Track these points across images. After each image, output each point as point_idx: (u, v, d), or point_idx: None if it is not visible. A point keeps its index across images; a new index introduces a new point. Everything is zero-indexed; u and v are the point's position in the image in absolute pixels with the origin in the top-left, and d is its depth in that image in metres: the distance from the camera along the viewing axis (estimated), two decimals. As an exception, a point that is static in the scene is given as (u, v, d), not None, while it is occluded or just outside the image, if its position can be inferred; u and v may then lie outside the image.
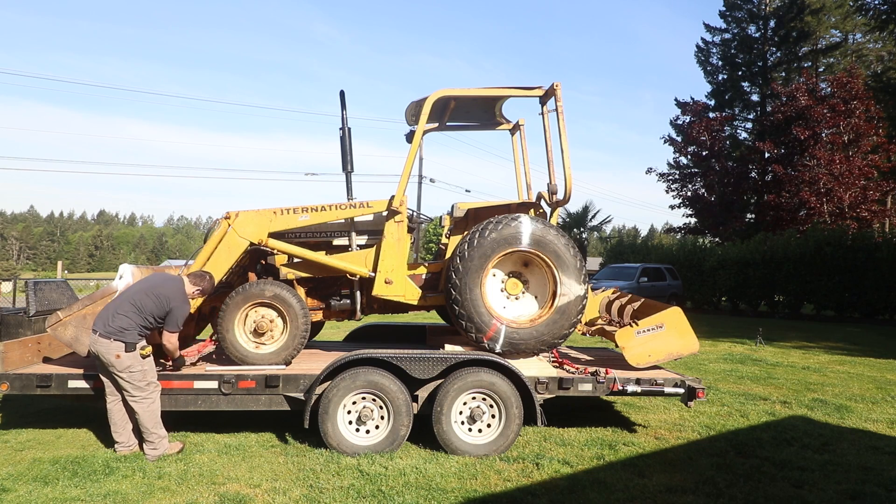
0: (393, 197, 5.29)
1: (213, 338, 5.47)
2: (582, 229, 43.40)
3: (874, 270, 17.23)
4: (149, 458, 4.44)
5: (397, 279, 5.35)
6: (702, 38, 32.69)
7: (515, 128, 6.45)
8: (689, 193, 27.88)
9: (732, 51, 30.91)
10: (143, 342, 4.46)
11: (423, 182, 31.61)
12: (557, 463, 4.50)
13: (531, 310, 5.27)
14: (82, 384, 4.69)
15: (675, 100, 28.91)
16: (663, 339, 5.33)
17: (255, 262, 5.74)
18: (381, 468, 4.27)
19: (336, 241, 5.68)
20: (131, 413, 4.47)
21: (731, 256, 20.83)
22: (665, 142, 28.40)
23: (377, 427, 4.69)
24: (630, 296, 6.45)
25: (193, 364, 5.13)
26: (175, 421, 5.11)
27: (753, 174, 27.82)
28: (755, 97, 31.00)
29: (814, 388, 7.53)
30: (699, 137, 26.64)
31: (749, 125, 31.49)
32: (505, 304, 5.29)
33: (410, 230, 5.64)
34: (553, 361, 5.57)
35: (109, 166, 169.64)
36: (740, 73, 30.80)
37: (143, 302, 4.44)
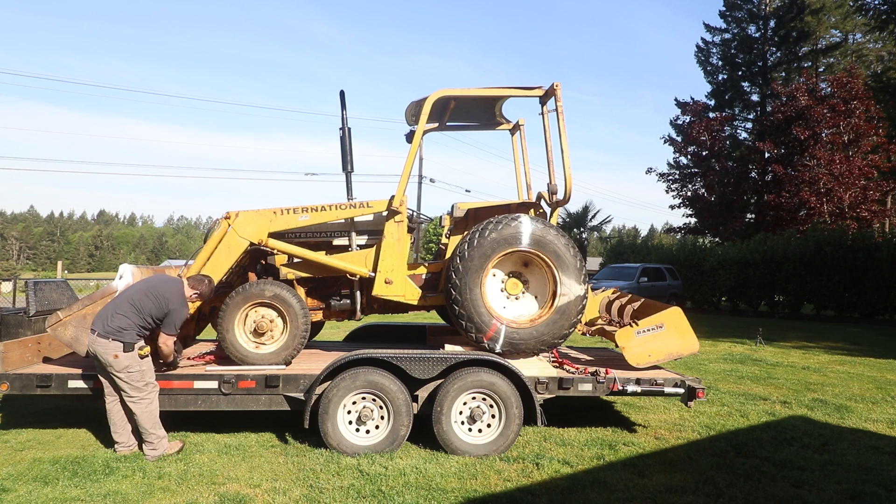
0: (393, 197, 5.29)
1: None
2: (582, 229, 43.41)
3: (874, 270, 17.23)
4: (148, 458, 4.44)
5: (397, 279, 5.35)
6: (702, 38, 32.76)
7: (515, 128, 6.45)
8: (689, 193, 27.89)
9: (732, 51, 30.92)
10: (142, 342, 4.46)
11: (423, 182, 31.64)
12: (557, 463, 4.50)
13: (531, 310, 5.27)
14: (82, 384, 4.69)
15: (675, 100, 28.95)
16: (663, 339, 5.33)
17: (255, 262, 5.74)
18: (381, 468, 4.27)
19: (336, 241, 5.69)
20: (130, 414, 4.47)
21: (731, 256, 20.83)
22: (665, 142, 28.41)
23: (377, 427, 4.69)
24: (630, 296, 6.45)
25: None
26: (175, 421, 5.11)
27: (753, 174, 27.83)
28: (755, 97, 31.05)
29: (814, 388, 7.53)
30: (699, 137, 26.65)
31: (749, 125, 31.51)
32: (505, 304, 5.29)
33: (410, 230, 5.64)
34: (553, 361, 5.57)
35: (109, 166, 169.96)
36: (740, 73, 30.80)
37: (142, 302, 4.44)
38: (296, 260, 5.51)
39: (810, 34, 28.55)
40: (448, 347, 5.23)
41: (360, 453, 4.52)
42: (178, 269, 5.55)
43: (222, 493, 3.86)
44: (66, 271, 66.23)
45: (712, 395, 6.90)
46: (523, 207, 5.50)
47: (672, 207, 31.06)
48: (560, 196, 5.45)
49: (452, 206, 5.81)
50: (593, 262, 37.28)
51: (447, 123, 6.40)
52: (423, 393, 4.81)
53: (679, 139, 28.10)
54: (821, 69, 29.51)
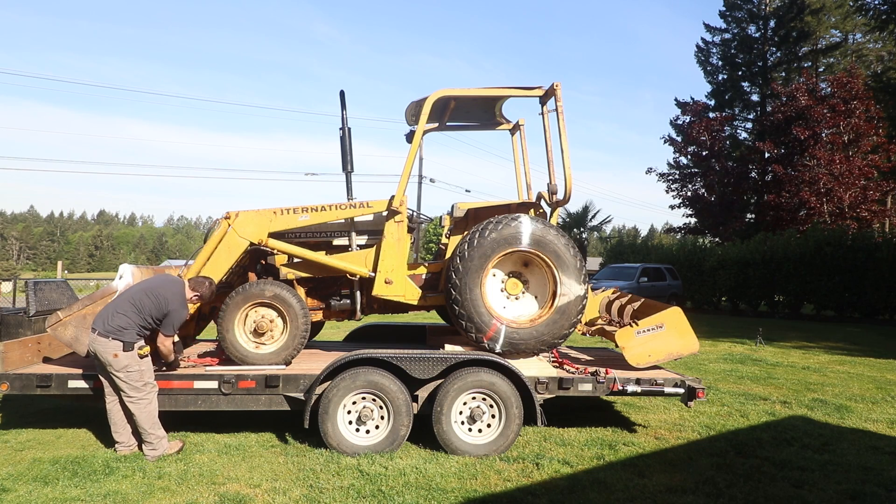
0: (393, 197, 5.29)
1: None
2: (582, 229, 43.41)
3: (874, 270, 17.23)
4: (148, 458, 4.44)
5: (397, 279, 5.35)
6: (702, 38, 32.74)
7: (515, 128, 6.45)
8: (689, 193, 27.89)
9: (732, 51, 30.92)
10: (142, 342, 4.46)
11: (423, 182, 31.64)
12: (557, 463, 4.50)
13: (531, 310, 5.27)
14: (82, 384, 4.69)
15: (675, 100, 28.96)
16: (663, 339, 5.33)
17: (255, 262, 5.74)
18: (381, 468, 4.27)
19: (336, 241, 5.69)
20: (129, 414, 4.47)
21: (731, 256, 20.83)
22: (665, 142, 28.42)
23: (377, 427, 4.69)
24: (630, 296, 6.45)
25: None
26: (175, 421, 5.11)
27: (753, 174, 27.83)
28: (755, 97, 31.05)
29: (814, 388, 7.53)
30: (699, 137, 26.65)
31: (749, 125, 31.52)
32: (505, 304, 5.29)
33: (410, 230, 5.64)
34: (553, 361, 5.57)
35: (109, 166, 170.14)
36: (740, 73, 30.81)
37: (142, 302, 4.44)
38: (296, 260, 5.51)
39: (810, 34, 28.56)
40: (448, 347, 5.23)
41: (360, 453, 4.52)
42: (178, 269, 5.55)
43: (222, 493, 3.86)
44: (66, 271, 66.24)
45: (712, 395, 6.90)
46: (523, 207, 5.50)
47: (672, 207, 31.11)
48: (560, 196, 5.45)
49: (452, 206, 5.81)
50: (593, 262, 37.28)
51: (447, 123, 6.40)
52: (423, 393, 4.81)
53: (679, 139, 28.10)
54: (821, 69, 29.52)
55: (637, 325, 5.33)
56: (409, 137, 6.12)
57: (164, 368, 4.80)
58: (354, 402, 4.67)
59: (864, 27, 27.15)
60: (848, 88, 23.10)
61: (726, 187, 26.40)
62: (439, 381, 4.77)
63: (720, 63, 31.28)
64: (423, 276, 5.59)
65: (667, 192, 28.48)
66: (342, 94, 5.88)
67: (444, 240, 6.17)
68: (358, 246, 5.63)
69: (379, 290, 5.34)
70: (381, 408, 4.68)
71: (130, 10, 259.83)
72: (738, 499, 3.93)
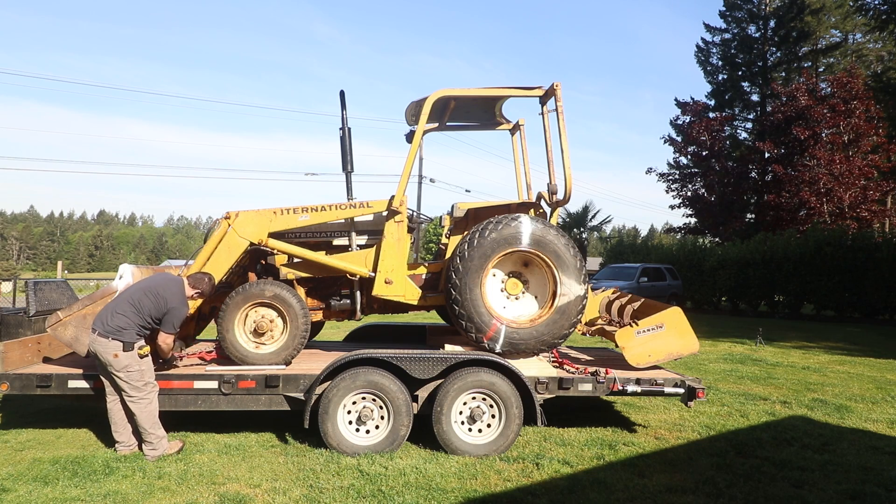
0: (393, 197, 5.29)
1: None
2: (582, 229, 43.42)
3: (874, 270, 17.23)
4: (148, 458, 4.44)
5: (397, 279, 5.35)
6: (702, 38, 32.74)
7: (515, 128, 6.45)
8: (689, 193, 27.89)
9: (732, 51, 30.92)
10: (142, 342, 4.46)
11: (423, 182, 31.64)
12: (557, 463, 4.50)
13: (531, 310, 5.27)
14: (82, 384, 4.69)
15: (675, 100, 28.95)
16: (663, 339, 5.33)
17: (255, 262, 5.74)
18: (381, 468, 4.27)
19: (336, 241, 5.69)
20: (130, 414, 4.47)
21: (731, 256, 20.83)
22: (665, 142, 28.42)
23: (377, 427, 4.69)
24: (630, 296, 6.45)
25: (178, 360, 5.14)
26: (175, 421, 5.11)
27: (753, 174, 27.82)
28: (755, 97, 31.05)
29: (814, 388, 7.53)
30: (699, 137, 26.65)
31: (749, 125, 31.52)
32: (505, 304, 5.29)
33: (410, 230, 5.64)
34: (553, 361, 5.57)
35: (109, 166, 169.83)
36: (740, 73, 30.81)
37: (141, 302, 4.44)
38: (296, 260, 5.51)
39: (810, 34, 28.55)
40: (448, 347, 5.23)
41: (360, 453, 4.52)
42: (178, 269, 5.55)
43: (222, 493, 3.86)
44: (66, 271, 66.24)
45: (712, 395, 6.89)
46: (523, 207, 5.50)
47: (672, 207, 31.09)
48: (560, 196, 5.45)
49: (452, 206, 5.81)
50: (593, 262, 37.28)
51: (447, 123, 6.40)
52: (423, 393, 4.81)
53: (679, 139, 28.10)
54: (821, 69, 29.51)
55: (637, 325, 5.33)
56: (409, 137, 6.12)
57: (165, 367, 4.80)
58: (354, 402, 4.67)
59: (864, 27, 27.15)
60: (848, 88, 23.10)
61: (726, 187, 26.40)
62: (439, 381, 4.77)
63: (720, 63, 31.29)
64: (423, 276, 5.59)
65: (667, 192, 28.50)
66: (342, 94, 5.89)
67: (444, 240, 6.17)
68: (358, 246, 5.63)
69: (379, 290, 5.34)
70: (381, 408, 4.68)
71: (130, 10, 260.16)
72: (738, 499, 3.93)
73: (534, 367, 5.05)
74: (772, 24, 29.83)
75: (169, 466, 4.30)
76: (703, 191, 27.50)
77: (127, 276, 5.08)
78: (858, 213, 22.70)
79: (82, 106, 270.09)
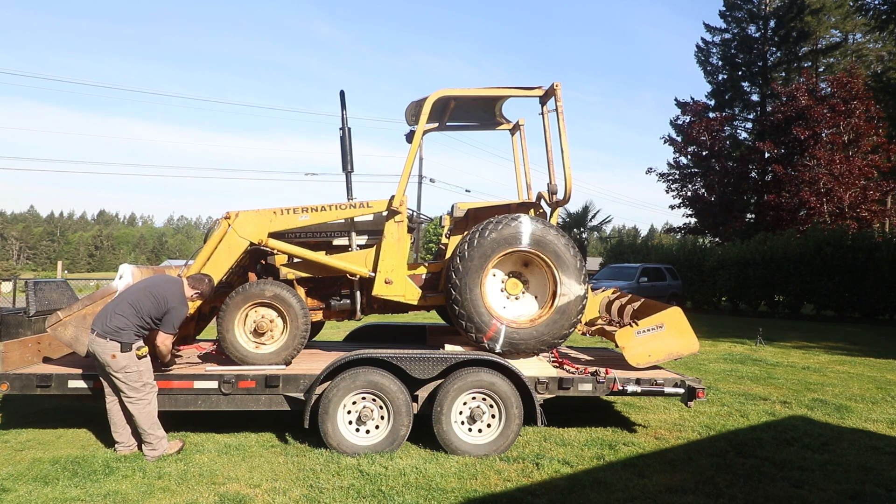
0: (393, 197, 5.29)
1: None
2: (582, 229, 43.42)
3: (874, 270, 17.23)
4: (148, 458, 4.43)
5: (397, 279, 5.35)
6: (702, 38, 32.74)
7: (515, 128, 6.45)
8: (689, 193, 27.89)
9: (732, 51, 30.92)
10: (140, 342, 4.45)
11: (423, 182, 31.62)
12: (557, 463, 4.50)
13: (531, 310, 5.27)
14: (82, 384, 4.69)
15: (675, 100, 28.96)
16: (663, 339, 5.32)
17: (255, 262, 5.74)
18: (381, 468, 4.27)
19: (336, 241, 5.68)
20: (128, 414, 4.47)
21: (731, 256, 20.82)
22: (665, 142, 28.41)
23: (377, 427, 4.69)
24: (630, 296, 6.45)
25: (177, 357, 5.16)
26: (175, 421, 5.11)
27: (753, 174, 27.82)
28: (755, 97, 31.05)
29: (814, 388, 7.53)
30: (699, 137, 26.65)
31: (749, 125, 31.52)
32: (505, 304, 5.29)
33: (410, 230, 5.63)
34: (553, 361, 5.56)
35: (109, 166, 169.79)
36: (740, 73, 30.80)
37: (141, 302, 4.44)
38: (296, 260, 5.51)
39: (810, 34, 28.55)
40: (448, 347, 5.23)
41: (360, 453, 4.52)
42: (178, 269, 5.55)
43: (222, 493, 3.86)
44: (66, 271, 66.23)
45: (712, 395, 6.89)
46: (523, 207, 5.50)
47: (672, 207, 31.10)
48: (560, 196, 5.45)
49: (452, 206, 5.81)
50: (593, 262, 37.27)
51: (447, 123, 6.40)
52: (423, 393, 4.81)
53: (679, 139, 28.10)
54: (821, 69, 29.51)
55: (637, 325, 5.33)
56: (409, 137, 6.12)
57: (163, 368, 4.80)
58: (354, 402, 4.67)
59: (864, 27, 27.14)
60: (848, 88, 23.10)
61: (726, 187, 26.39)
62: (439, 381, 4.76)
63: (720, 63, 31.28)
64: (423, 276, 5.59)
65: (667, 192, 28.50)
66: (342, 94, 5.89)
67: (444, 240, 6.17)
68: (358, 246, 5.63)
69: (379, 290, 5.34)
70: (381, 408, 4.68)
71: (130, 10, 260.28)
72: (738, 499, 3.93)
73: (534, 367, 5.05)
74: (772, 24, 29.83)
75: (169, 466, 4.30)
76: (703, 191, 27.49)
77: (127, 276, 5.08)
78: (858, 213, 22.70)
79: (82, 106, 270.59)
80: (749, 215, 27.86)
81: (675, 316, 5.39)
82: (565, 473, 4.33)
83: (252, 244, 5.29)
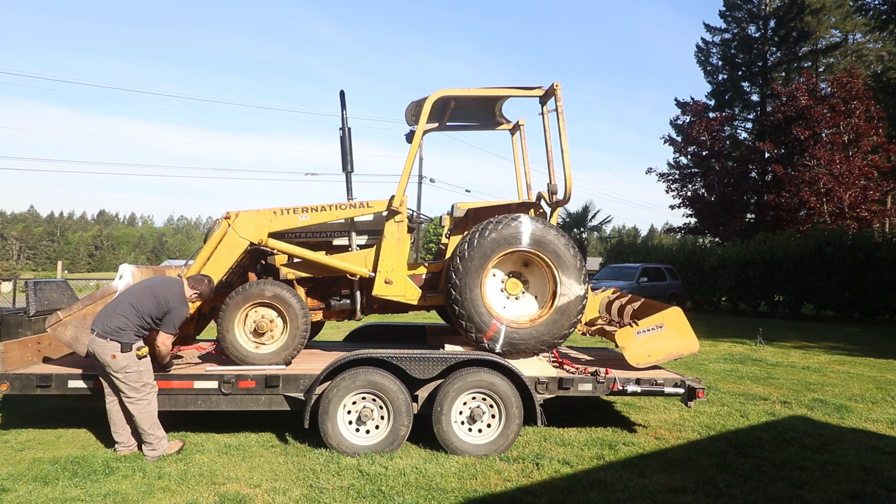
0: (393, 197, 5.29)
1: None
2: (582, 229, 43.43)
3: (874, 270, 17.23)
4: (148, 458, 4.43)
5: (397, 279, 5.35)
6: (702, 38, 32.77)
7: (515, 128, 6.45)
8: (689, 193, 27.90)
9: (732, 51, 30.94)
10: (140, 343, 4.45)
11: (423, 182, 31.62)
12: (557, 463, 4.50)
13: (531, 310, 5.27)
14: (82, 384, 4.69)
15: (675, 100, 28.98)
16: (663, 339, 5.32)
17: (255, 262, 5.74)
18: (381, 468, 4.27)
19: (336, 241, 5.68)
20: (128, 414, 4.47)
21: (731, 256, 20.83)
22: (665, 142, 28.43)
23: (377, 427, 4.69)
24: (630, 296, 6.45)
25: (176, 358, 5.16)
26: (175, 421, 5.11)
27: (753, 174, 27.84)
28: (755, 97, 31.07)
29: (814, 388, 7.53)
30: (699, 137, 26.67)
31: (749, 125, 31.53)
32: (505, 304, 5.29)
33: (410, 230, 5.64)
34: (553, 361, 5.56)
35: (109, 166, 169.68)
36: (740, 73, 30.82)
37: (141, 302, 4.44)
38: (296, 260, 5.51)
39: (810, 34, 28.56)
40: (448, 347, 5.23)
41: (360, 453, 4.52)
42: (178, 269, 5.55)
43: (222, 493, 3.86)
44: (66, 271, 66.23)
45: (712, 395, 6.89)
46: (523, 207, 5.50)
47: (672, 207, 31.10)
48: (560, 196, 5.45)
49: (452, 206, 5.81)
50: (593, 262, 37.28)
51: (447, 123, 6.40)
52: (423, 393, 4.81)
53: (679, 139, 28.12)
54: (821, 69, 29.52)
55: (637, 325, 5.33)
56: (409, 137, 6.13)
57: (162, 369, 4.80)
58: (354, 402, 4.67)
59: (864, 27, 27.16)
60: (848, 88, 23.11)
61: (726, 187, 26.40)
62: (439, 381, 4.76)
63: (720, 63, 31.30)
64: (423, 276, 5.59)
65: (667, 192, 28.52)
66: (342, 94, 5.89)
67: (444, 240, 6.17)
68: (358, 246, 5.63)
69: (379, 290, 5.34)
70: (381, 408, 4.68)
71: (130, 10, 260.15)
72: (738, 499, 3.93)
73: (534, 367, 5.05)
74: (772, 24, 29.84)
75: (169, 466, 4.30)
76: (703, 191, 27.51)
77: (127, 276, 5.08)
78: (858, 213, 22.71)
79: (82, 106, 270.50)
80: (749, 215, 27.87)
81: (675, 316, 5.39)
82: (565, 473, 4.33)
83: (252, 244, 5.29)
